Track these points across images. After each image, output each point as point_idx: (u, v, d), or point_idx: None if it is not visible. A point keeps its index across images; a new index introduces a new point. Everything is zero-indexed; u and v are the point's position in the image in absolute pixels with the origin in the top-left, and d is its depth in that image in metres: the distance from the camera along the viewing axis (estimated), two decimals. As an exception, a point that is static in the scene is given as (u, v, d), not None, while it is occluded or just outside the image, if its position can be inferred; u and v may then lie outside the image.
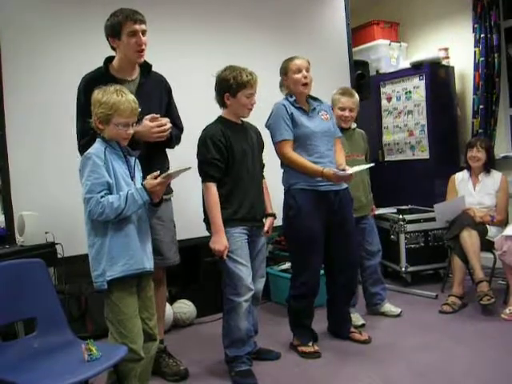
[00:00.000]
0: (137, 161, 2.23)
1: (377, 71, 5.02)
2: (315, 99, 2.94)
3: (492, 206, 3.67)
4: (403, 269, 4.05)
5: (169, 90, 2.68)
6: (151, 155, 2.41)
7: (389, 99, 4.94)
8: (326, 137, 2.86)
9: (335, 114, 3.14)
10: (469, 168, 3.80)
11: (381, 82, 4.97)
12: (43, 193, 2.95)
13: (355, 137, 3.35)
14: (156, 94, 2.57)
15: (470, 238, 3.40)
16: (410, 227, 4.06)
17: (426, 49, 4.93)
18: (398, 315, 3.40)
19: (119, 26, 2.38)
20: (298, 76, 2.80)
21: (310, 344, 2.88)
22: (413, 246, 4.07)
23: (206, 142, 2.54)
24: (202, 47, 3.54)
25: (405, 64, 4.86)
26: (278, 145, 2.80)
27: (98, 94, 2.06)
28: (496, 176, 3.73)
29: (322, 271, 2.98)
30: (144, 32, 2.43)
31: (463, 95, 4.91)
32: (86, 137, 2.32)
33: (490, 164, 3.75)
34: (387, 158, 4.99)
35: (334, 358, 2.81)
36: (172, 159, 2.67)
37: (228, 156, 2.55)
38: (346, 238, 2.90)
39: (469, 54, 4.65)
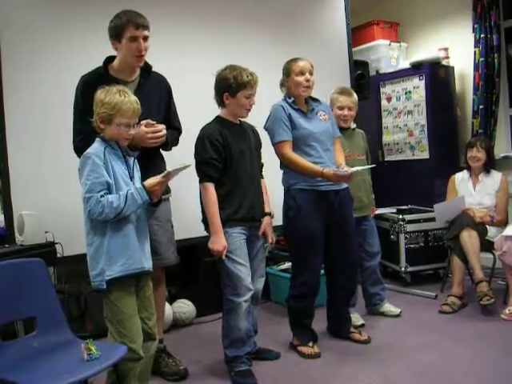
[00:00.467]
0: (135, 161, 2.23)
1: (377, 71, 5.03)
2: (314, 100, 2.93)
3: (492, 206, 3.67)
4: (403, 269, 4.05)
5: (169, 91, 2.67)
6: (147, 157, 2.38)
7: (388, 99, 4.94)
8: (324, 137, 2.85)
9: (334, 114, 3.14)
10: (469, 168, 3.80)
11: (381, 82, 4.97)
12: (43, 192, 2.95)
13: (355, 137, 3.35)
14: (155, 95, 2.56)
15: (469, 238, 3.40)
16: (409, 227, 4.06)
17: (425, 49, 4.93)
18: (398, 315, 3.40)
19: (121, 30, 2.36)
20: (300, 79, 2.79)
21: (310, 344, 2.88)
22: (412, 246, 4.07)
23: (203, 141, 2.54)
24: (201, 47, 3.54)
25: (405, 64, 4.86)
26: (277, 146, 2.80)
27: (100, 94, 2.06)
28: (496, 176, 3.73)
29: (322, 271, 2.98)
30: (146, 38, 2.41)
31: (463, 95, 4.91)
32: (80, 136, 2.32)
33: (490, 164, 3.75)
34: (387, 158, 4.99)
35: (333, 357, 2.81)
36: (170, 159, 2.66)
37: (226, 156, 2.54)
38: (346, 238, 2.90)
39: (469, 54, 4.65)
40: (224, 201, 2.54)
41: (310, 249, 2.80)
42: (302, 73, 2.79)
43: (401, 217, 4.08)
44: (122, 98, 2.05)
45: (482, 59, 4.52)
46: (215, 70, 2.61)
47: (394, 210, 4.35)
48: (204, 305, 3.60)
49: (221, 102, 2.62)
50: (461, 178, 3.85)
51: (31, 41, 2.97)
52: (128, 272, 2.05)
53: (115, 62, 2.48)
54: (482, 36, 4.51)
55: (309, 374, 2.64)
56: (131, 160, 2.19)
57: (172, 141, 2.57)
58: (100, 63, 2.49)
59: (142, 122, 2.29)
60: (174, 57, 3.33)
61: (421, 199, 4.45)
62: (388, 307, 3.44)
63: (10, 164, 2.90)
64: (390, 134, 4.95)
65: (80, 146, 2.29)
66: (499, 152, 4.47)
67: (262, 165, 2.82)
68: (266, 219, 2.73)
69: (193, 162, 2.51)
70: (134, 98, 2.10)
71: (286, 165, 2.82)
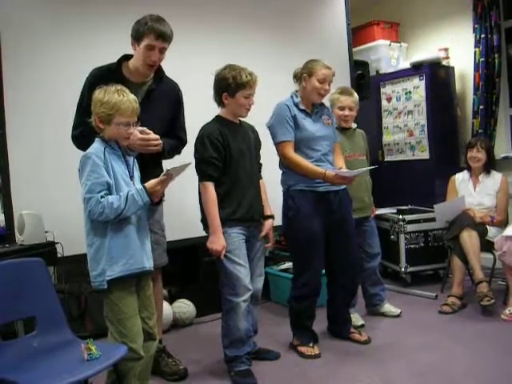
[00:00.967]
0: (135, 160, 2.23)
1: (377, 71, 5.03)
2: (319, 103, 2.92)
3: (492, 206, 3.67)
4: (403, 269, 4.05)
5: (178, 100, 2.64)
6: (142, 162, 2.33)
7: (389, 99, 4.94)
8: (326, 141, 2.85)
9: (335, 114, 3.14)
10: (469, 168, 3.80)
11: (381, 82, 4.97)
12: (43, 192, 2.95)
13: (356, 137, 3.35)
14: (163, 102, 2.54)
15: (469, 239, 3.40)
16: (409, 227, 4.06)
17: (426, 49, 4.93)
18: (398, 315, 3.39)
19: (142, 34, 2.35)
20: (320, 86, 2.78)
21: (310, 344, 2.88)
22: (413, 246, 4.07)
23: (203, 141, 2.53)
24: (201, 47, 3.54)
25: (405, 64, 4.86)
26: (278, 146, 2.80)
27: (99, 94, 2.06)
28: (496, 177, 3.72)
29: (323, 272, 2.99)
30: (163, 49, 2.40)
31: (463, 95, 4.91)
32: (80, 128, 2.32)
33: (490, 164, 3.74)
34: (387, 159, 4.99)
35: (333, 358, 2.81)
36: (171, 159, 2.66)
37: (225, 155, 2.54)
38: (345, 239, 2.90)
39: (469, 55, 4.65)
40: (223, 200, 2.54)
41: (311, 250, 2.80)
42: (324, 80, 2.78)
43: (401, 217, 4.08)
44: (120, 97, 2.04)
45: (482, 59, 4.52)
46: (215, 69, 2.61)
47: (394, 211, 4.35)
48: (204, 305, 3.60)
49: (220, 102, 2.61)
50: (461, 178, 3.85)
51: (31, 40, 2.97)
52: (129, 272, 2.05)
53: (130, 62, 2.47)
54: (482, 36, 4.51)
55: (309, 375, 2.64)
56: (131, 159, 2.19)
57: (169, 150, 2.52)
58: (100, 62, 2.49)
59: (137, 128, 2.26)
60: (173, 57, 3.29)
61: (421, 199, 4.45)
62: (388, 307, 3.44)
63: (10, 163, 2.90)
64: (390, 134, 4.95)
65: (78, 137, 2.29)
66: (499, 152, 4.47)
67: (261, 165, 2.82)
68: (268, 222, 2.74)
69: (193, 161, 2.51)
70: (132, 96, 2.09)
71: (287, 165, 2.82)
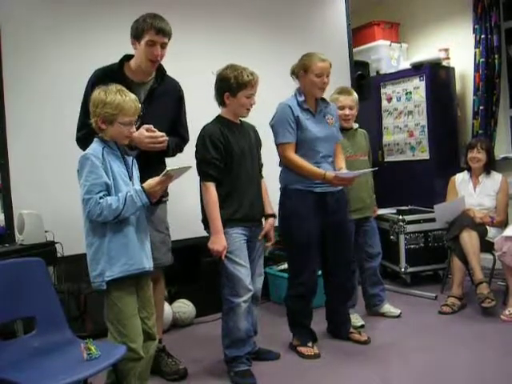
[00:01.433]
0: (134, 160, 2.22)
1: (377, 72, 5.03)
2: (323, 100, 2.91)
3: (492, 207, 3.67)
4: (403, 269, 4.05)
5: (180, 99, 2.66)
6: (147, 161, 2.35)
7: (389, 100, 4.94)
8: (328, 142, 2.85)
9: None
10: (469, 169, 3.80)
11: (381, 82, 4.97)
12: (43, 191, 2.95)
13: (357, 137, 3.34)
14: (165, 100, 2.54)
15: (469, 239, 3.40)
16: (409, 228, 4.06)
17: (426, 50, 4.93)
18: (398, 316, 3.39)
19: (141, 32, 2.37)
20: (318, 80, 2.76)
21: (310, 344, 2.87)
22: (412, 246, 4.07)
23: (204, 141, 2.53)
24: (202, 47, 3.55)
25: (405, 65, 4.86)
26: (279, 147, 2.80)
27: (99, 94, 2.05)
28: (496, 177, 3.72)
29: (320, 271, 2.99)
30: (164, 44, 2.42)
31: (463, 96, 4.91)
32: (84, 130, 2.32)
33: (491, 165, 3.74)
34: (387, 159, 4.99)
35: (333, 358, 2.81)
36: (172, 159, 2.65)
37: (226, 155, 2.54)
38: (341, 239, 2.91)
39: (469, 55, 4.65)
40: (224, 201, 2.54)
41: (306, 250, 2.80)
42: (321, 74, 2.75)
43: (401, 217, 4.08)
44: (122, 97, 2.04)
45: (482, 60, 4.52)
46: (215, 70, 2.61)
47: (394, 211, 4.35)
48: (204, 305, 3.60)
49: (221, 102, 2.61)
50: (461, 178, 3.85)
51: (32, 37, 2.97)
52: (128, 272, 2.05)
53: (132, 62, 2.48)
54: (482, 37, 4.51)
55: (308, 375, 2.64)
56: (130, 159, 2.19)
57: (173, 148, 2.55)
58: (100, 60, 2.49)
59: (143, 126, 2.29)
60: (174, 57, 3.31)
61: (421, 200, 4.45)
62: (388, 308, 3.44)
63: (10, 162, 2.90)
64: (391, 135, 4.95)
65: (82, 139, 2.30)
66: (499, 153, 4.47)
67: (262, 165, 2.81)
68: (269, 221, 2.74)
69: (194, 162, 2.51)
70: (133, 96, 2.10)
71: (285, 165, 2.82)
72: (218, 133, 2.54)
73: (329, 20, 4.37)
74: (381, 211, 4.08)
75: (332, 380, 2.56)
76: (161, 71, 2.55)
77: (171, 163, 2.58)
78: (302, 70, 2.80)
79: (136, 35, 2.40)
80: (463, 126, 4.89)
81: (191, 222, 2.87)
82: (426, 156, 4.67)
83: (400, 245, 4.06)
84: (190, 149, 2.63)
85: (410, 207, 4.50)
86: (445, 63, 4.78)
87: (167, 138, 2.40)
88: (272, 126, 2.82)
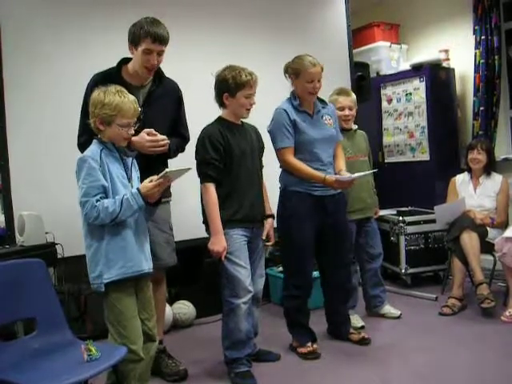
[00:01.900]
0: (134, 161, 2.22)
1: (377, 73, 5.03)
2: (321, 101, 2.91)
3: (492, 208, 3.67)
4: (403, 270, 4.05)
5: (179, 100, 2.66)
6: (148, 162, 2.34)
7: (389, 101, 4.94)
8: (327, 143, 2.85)
9: (335, 115, 3.14)
10: (469, 170, 3.80)
11: (381, 83, 4.97)
12: (43, 193, 2.95)
13: (357, 138, 3.35)
14: (164, 102, 2.54)
15: (470, 240, 3.40)
16: (410, 229, 4.06)
17: (426, 51, 4.93)
18: (398, 317, 3.39)
19: (138, 39, 2.36)
20: (309, 85, 2.75)
21: (309, 344, 2.87)
22: (413, 247, 4.07)
23: (204, 142, 2.53)
24: (202, 48, 3.55)
25: (405, 66, 4.86)
26: (278, 152, 2.80)
27: (98, 95, 2.05)
28: (497, 178, 3.72)
29: (317, 273, 3.00)
30: (161, 52, 2.41)
31: (463, 97, 4.91)
32: (85, 136, 2.32)
33: (491, 166, 3.74)
34: (387, 160, 4.99)
35: (333, 359, 2.81)
36: (172, 160, 2.66)
37: (226, 156, 2.54)
38: (340, 239, 2.91)
39: (469, 56, 4.65)
40: (224, 201, 2.54)
41: (303, 251, 2.81)
42: (311, 80, 2.74)
43: (401, 218, 4.08)
44: (121, 98, 2.04)
45: (482, 61, 4.52)
46: (215, 70, 2.61)
47: (395, 212, 4.35)
48: (204, 306, 3.60)
49: (221, 103, 2.62)
50: (461, 179, 3.85)
51: (32, 37, 2.98)
52: (126, 275, 2.04)
53: (130, 65, 2.48)
54: (482, 38, 4.51)
55: (308, 376, 2.64)
56: (129, 160, 2.18)
57: (174, 149, 2.56)
58: (100, 61, 2.50)
59: (144, 130, 2.29)
60: (174, 58, 3.31)
61: (421, 201, 4.45)
62: (388, 309, 3.43)
63: (10, 164, 2.90)
64: (391, 136, 4.95)
65: (85, 145, 2.29)
66: (499, 154, 4.46)
67: (263, 166, 2.81)
68: (269, 221, 2.75)
69: (193, 164, 2.51)
70: (132, 97, 2.09)
71: (287, 170, 2.82)
72: (217, 134, 2.54)
73: (329, 21, 4.37)
74: (381, 212, 4.07)
75: (332, 381, 2.56)
76: (159, 74, 2.55)
77: (172, 163, 2.59)
78: (293, 74, 2.80)
79: (133, 41, 2.39)
80: (463, 126, 4.89)
81: (192, 223, 2.87)
82: (426, 157, 4.67)
83: (400, 246, 4.06)
84: (192, 148, 2.63)
85: (410, 208, 4.50)
86: (445, 64, 4.79)
87: (168, 141, 2.40)
88: (270, 132, 2.82)
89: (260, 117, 2.74)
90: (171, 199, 2.69)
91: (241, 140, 2.62)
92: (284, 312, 2.96)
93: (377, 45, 5.04)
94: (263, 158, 2.80)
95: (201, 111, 2.74)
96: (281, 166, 2.89)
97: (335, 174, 2.83)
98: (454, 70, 4.84)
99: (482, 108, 4.55)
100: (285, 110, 2.77)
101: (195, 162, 2.56)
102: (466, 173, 3.85)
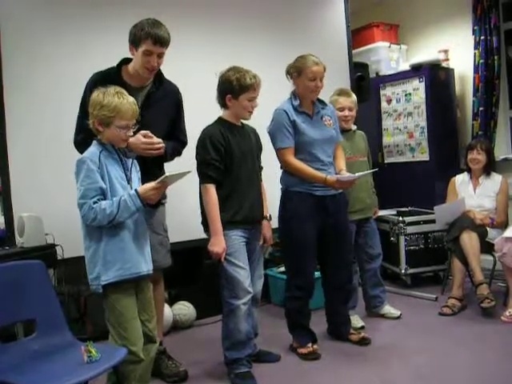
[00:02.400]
0: (134, 162, 2.22)
1: (377, 73, 5.03)
2: (320, 101, 2.91)
3: (492, 208, 3.67)
4: (403, 271, 4.05)
5: (178, 103, 2.65)
6: (144, 166, 2.34)
7: (388, 101, 4.94)
8: (327, 144, 2.85)
9: (335, 116, 3.14)
10: (469, 170, 3.80)
11: (381, 84, 4.97)
12: (43, 194, 2.95)
13: (356, 138, 3.35)
14: (163, 105, 2.54)
15: (469, 240, 3.40)
16: (409, 229, 4.06)
17: (425, 51, 4.93)
18: (398, 317, 3.39)
19: (139, 40, 2.35)
20: (311, 84, 2.75)
21: (309, 345, 2.87)
22: (412, 247, 4.07)
23: (204, 142, 2.53)
24: (203, 49, 3.54)
25: (404, 66, 4.87)
26: (278, 152, 2.80)
27: (97, 96, 2.05)
28: (496, 178, 3.72)
29: (318, 273, 2.99)
30: (161, 54, 2.40)
31: (463, 97, 4.91)
32: (82, 134, 2.32)
33: (491, 166, 3.74)
34: (387, 160, 4.99)
35: (333, 359, 2.81)
36: (171, 162, 2.65)
37: (227, 157, 2.54)
38: (340, 240, 2.91)
39: (469, 56, 4.66)
40: (224, 203, 2.54)
41: (304, 251, 2.81)
42: (314, 78, 2.74)
43: (401, 219, 4.08)
44: (120, 99, 2.04)
45: (481, 61, 4.53)
46: (216, 71, 2.61)
47: (394, 212, 4.35)
48: (204, 307, 3.60)
49: (223, 104, 2.61)
50: (461, 180, 3.85)
51: (32, 38, 2.98)
52: (124, 277, 2.04)
53: (130, 66, 2.47)
54: (481, 38, 4.52)
55: (309, 376, 2.64)
56: (129, 162, 2.18)
57: (170, 153, 2.54)
58: (99, 62, 2.49)
59: (141, 132, 2.27)
60: (174, 58, 3.31)
61: (421, 201, 4.45)
62: (388, 309, 3.44)
63: (10, 165, 2.90)
64: (390, 136, 4.95)
65: (81, 143, 2.29)
66: (499, 154, 4.47)
67: (262, 168, 2.81)
68: (265, 224, 2.74)
69: (193, 167, 2.50)
70: (131, 99, 2.09)
71: (288, 170, 2.82)
72: (218, 134, 2.54)
73: (328, 21, 4.37)
74: (381, 212, 4.07)
75: (332, 381, 2.56)
76: (159, 75, 2.54)
77: (168, 166, 2.59)
78: (295, 73, 2.80)
79: (133, 42, 2.39)
80: (463, 127, 4.90)
81: (191, 224, 2.87)
82: (425, 157, 4.67)
83: (400, 246, 4.06)
84: (189, 152, 2.63)
85: (410, 208, 4.50)
86: (444, 64, 4.79)
87: (164, 145, 2.38)
88: (269, 133, 2.82)
89: (260, 117, 2.74)
90: (167, 201, 2.68)
91: (241, 141, 2.62)
92: (285, 313, 2.96)
93: (376, 45, 5.04)
94: (262, 160, 2.80)
95: (200, 111, 2.74)
96: (282, 168, 2.89)
97: (336, 174, 2.84)
98: (453, 70, 4.84)
99: (481, 108, 4.56)
100: (285, 111, 2.78)
101: (195, 162, 2.55)
102: (465, 173, 3.85)
